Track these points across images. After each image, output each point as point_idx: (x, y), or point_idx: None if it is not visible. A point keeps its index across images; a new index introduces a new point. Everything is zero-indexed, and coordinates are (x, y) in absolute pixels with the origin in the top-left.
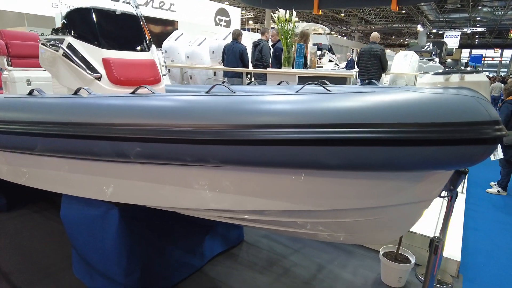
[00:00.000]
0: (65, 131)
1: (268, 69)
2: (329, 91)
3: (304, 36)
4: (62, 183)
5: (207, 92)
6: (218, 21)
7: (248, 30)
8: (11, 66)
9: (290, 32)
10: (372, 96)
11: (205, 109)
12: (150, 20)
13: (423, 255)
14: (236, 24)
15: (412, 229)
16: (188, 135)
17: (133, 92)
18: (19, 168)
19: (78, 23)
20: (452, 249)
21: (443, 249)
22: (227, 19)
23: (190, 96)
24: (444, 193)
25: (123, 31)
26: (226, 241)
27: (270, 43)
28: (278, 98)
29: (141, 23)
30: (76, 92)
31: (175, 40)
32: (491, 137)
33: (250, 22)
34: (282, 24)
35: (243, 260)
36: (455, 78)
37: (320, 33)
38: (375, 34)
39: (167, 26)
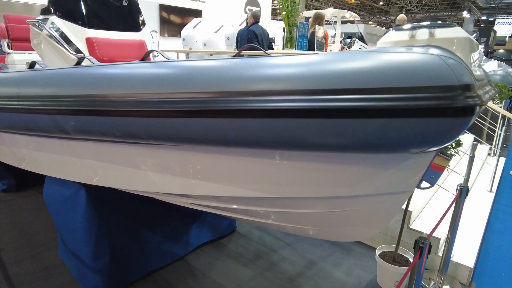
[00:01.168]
0: (14, 105)
1: (270, 51)
2: (268, 54)
3: (318, 19)
4: (39, 163)
5: (142, 60)
6: (248, 11)
7: (281, 20)
8: (11, 49)
9: (291, 9)
10: (311, 58)
11: (131, 77)
12: (175, 9)
13: (431, 258)
14: (266, 14)
15: (417, 227)
16: (110, 106)
17: (76, 64)
18: (3, 147)
19: (63, 2)
20: (466, 253)
21: (450, 252)
22: (257, 8)
23: (124, 65)
24: (425, 184)
25: (111, 10)
26: (215, 230)
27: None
28: (207, 63)
29: (133, 2)
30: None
31: (193, 28)
32: (457, 106)
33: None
34: (283, 1)
35: (230, 251)
36: (423, 34)
37: (351, 21)
38: (401, 17)
39: (193, 16)
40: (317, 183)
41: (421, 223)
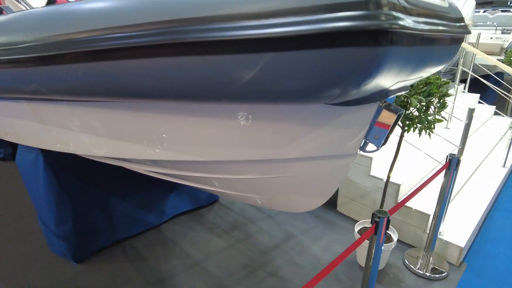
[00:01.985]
0: None
1: None
2: None
3: None
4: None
5: None
6: None
7: None
8: None
9: None
10: None
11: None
12: None
13: (419, 235)
14: None
15: (408, 203)
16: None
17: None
18: None
19: None
20: (459, 232)
21: (437, 229)
22: None
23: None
24: (371, 147)
25: None
26: (195, 200)
27: None
28: None
29: None
30: None
31: None
32: (357, 30)
33: None
34: None
35: (207, 222)
36: None
37: None
38: None
39: None
40: (243, 144)
41: (412, 198)
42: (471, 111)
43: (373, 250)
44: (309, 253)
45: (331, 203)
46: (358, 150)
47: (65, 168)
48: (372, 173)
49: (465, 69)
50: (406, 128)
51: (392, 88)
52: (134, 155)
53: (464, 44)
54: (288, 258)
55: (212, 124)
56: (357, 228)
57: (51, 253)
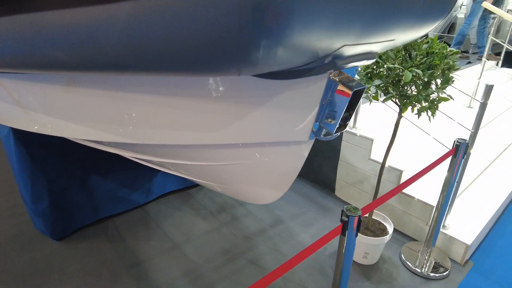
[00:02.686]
0: None
1: None
2: None
3: None
4: None
5: None
6: None
7: None
8: None
9: None
10: None
11: None
12: None
13: (421, 228)
14: None
15: (410, 191)
16: None
17: None
18: None
19: None
20: (466, 227)
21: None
22: None
23: None
24: (323, 132)
25: None
26: (184, 180)
27: None
28: None
29: None
30: None
31: None
32: None
33: None
34: None
35: (195, 202)
36: None
37: None
38: None
39: None
40: (176, 126)
41: (417, 186)
42: (488, 89)
43: (343, 253)
44: (295, 240)
45: (329, 187)
46: (311, 136)
47: (39, 145)
48: (372, 157)
49: (499, 41)
50: (404, 107)
51: (339, 54)
52: (77, 135)
53: (499, 11)
54: (272, 245)
55: (146, 103)
56: None
57: (35, 229)
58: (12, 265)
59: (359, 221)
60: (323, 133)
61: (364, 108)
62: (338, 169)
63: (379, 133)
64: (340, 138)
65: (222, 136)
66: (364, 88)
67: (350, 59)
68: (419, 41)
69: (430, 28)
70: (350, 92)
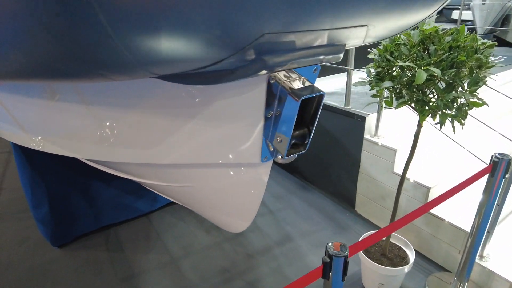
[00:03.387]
0: None
1: None
2: None
3: None
4: None
5: None
6: None
7: None
8: None
9: None
10: None
11: None
12: None
13: (453, 256)
14: None
15: (440, 213)
16: None
17: None
18: None
19: None
20: (510, 260)
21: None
22: None
23: None
24: (280, 157)
25: None
26: None
27: None
28: None
29: None
30: None
31: None
32: None
33: None
34: None
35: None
36: None
37: None
38: None
39: None
40: (112, 143)
41: (448, 207)
42: None
43: None
44: (302, 262)
45: (349, 201)
46: (264, 157)
47: (38, 151)
48: (395, 170)
49: None
50: (421, 115)
51: (263, 46)
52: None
53: None
54: (275, 266)
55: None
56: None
57: (41, 234)
58: (12, 270)
59: (346, 263)
60: (280, 155)
61: (388, 112)
62: (358, 182)
63: (404, 143)
64: (359, 146)
65: (156, 154)
66: (322, 95)
67: (288, 55)
68: (440, 32)
69: (430, 9)
70: (298, 100)
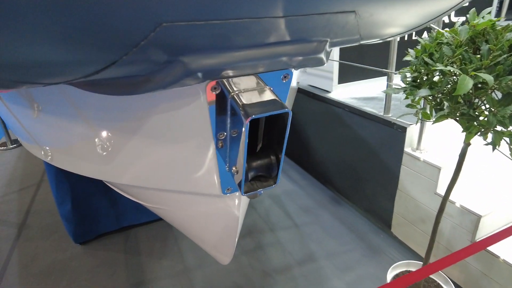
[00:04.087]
0: None
1: None
2: None
3: None
4: None
5: None
6: None
7: None
8: None
9: None
10: None
11: None
12: None
13: None
14: None
15: (494, 247)
16: None
17: None
18: None
19: None
20: None
21: None
22: None
23: None
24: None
25: None
26: None
27: None
28: None
29: None
30: None
31: None
32: None
33: None
34: None
35: None
36: None
37: None
38: None
39: None
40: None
41: (503, 242)
42: None
43: None
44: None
45: (385, 221)
46: (228, 189)
47: None
48: (439, 191)
49: None
50: (467, 132)
51: (172, 45)
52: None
53: None
54: None
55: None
56: (391, 273)
57: None
58: (37, 262)
59: None
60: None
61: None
62: (396, 200)
63: (452, 159)
64: (399, 161)
65: (111, 172)
66: (286, 113)
67: (218, 56)
68: (498, 27)
69: None
70: (245, 121)
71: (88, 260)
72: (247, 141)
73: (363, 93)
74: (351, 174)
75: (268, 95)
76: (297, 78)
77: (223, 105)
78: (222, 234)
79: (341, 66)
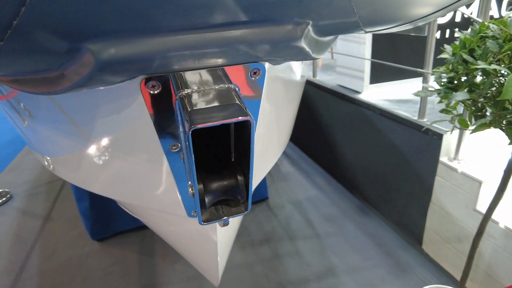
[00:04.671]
0: None
1: None
2: None
3: None
4: None
5: None
6: None
7: None
8: None
9: None
10: None
11: None
12: None
13: None
14: None
15: None
16: None
17: None
18: None
19: None
20: None
21: None
22: None
23: None
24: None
25: None
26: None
27: None
28: None
29: None
30: None
31: None
32: None
33: None
34: None
35: (240, 226)
36: None
37: None
38: None
39: None
40: None
41: None
42: None
43: None
44: None
45: (415, 237)
46: (194, 212)
47: None
48: (478, 207)
49: None
50: None
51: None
52: None
53: None
54: None
55: None
56: None
57: None
58: (55, 257)
59: None
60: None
61: None
62: (428, 214)
63: (495, 173)
64: (433, 171)
65: (82, 179)
66: (247, 122)
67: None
68: None
69: None
70: (187, 132)
71: (103, 258)
72: (193, 157)
73: (397, 95)
74: (380, 182)
75: (227, 97)
76: (301, 71)
77: (169, 108)
78: (203, 257)
79: (373, 65)
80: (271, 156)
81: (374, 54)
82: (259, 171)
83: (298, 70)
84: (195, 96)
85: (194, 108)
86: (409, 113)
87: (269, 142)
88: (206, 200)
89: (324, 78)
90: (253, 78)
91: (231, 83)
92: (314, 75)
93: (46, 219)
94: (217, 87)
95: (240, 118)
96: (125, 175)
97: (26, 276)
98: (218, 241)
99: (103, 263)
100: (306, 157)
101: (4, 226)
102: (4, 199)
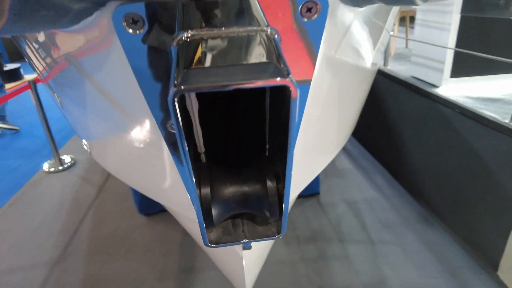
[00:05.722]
0: None
1: None
2: None
3: None
4: None
5: None
6: None
7: None
8: None
9: None
10: None
11: None
12: None
13: None
14: None
15: None
16: None
17: None
18: None
19: None
20: None
21: None
22: None
23: None
24: None
25: None
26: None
27: None
28: None
29: None
30: None
31: None
32: None
33: None
34: None
35: (288, 218)
36: None
37: None
38: None
39: None
40: None
41: None
42: None
43: None
44: None
45: (490, 260)
46: None
47: None
48: None
49: None
50: None
51: None
52: None
53: None
54: None
55: None
56: None
57: None
58: (103, 227)
59: None
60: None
61: None
62: (511, 236)
63: None
64: None
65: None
66: (286, 89)
67: None
68: None
69: None
70: (169, 97)
71: (147, 233)
72: (184, 143)
73: (483, 93)
74: (451, 191)
75: (257, 49)
76: (374, 58)
77: (161, 61)
78: (229, 268)
79: (457, 56)
80: (330, 148)
81: (460, 43)
82: (310, 167)
83: (369, 55)
84: (202, 43)
85: (197, 60)
86: (498, 114)
87: (328, 128)
88: (214, 212)
89: (396, 68)
90: (305, 19)
91: (267, 24)
92: (385, 64)
93: (101, 189)
94: (241, 29)
95: (270, 81)
96: (124, 158)
97: (78, 241)
98: (244, 256)
99: (146, 238)
100: (367, 154)
101: (66, 189)
102: (69, 164)
